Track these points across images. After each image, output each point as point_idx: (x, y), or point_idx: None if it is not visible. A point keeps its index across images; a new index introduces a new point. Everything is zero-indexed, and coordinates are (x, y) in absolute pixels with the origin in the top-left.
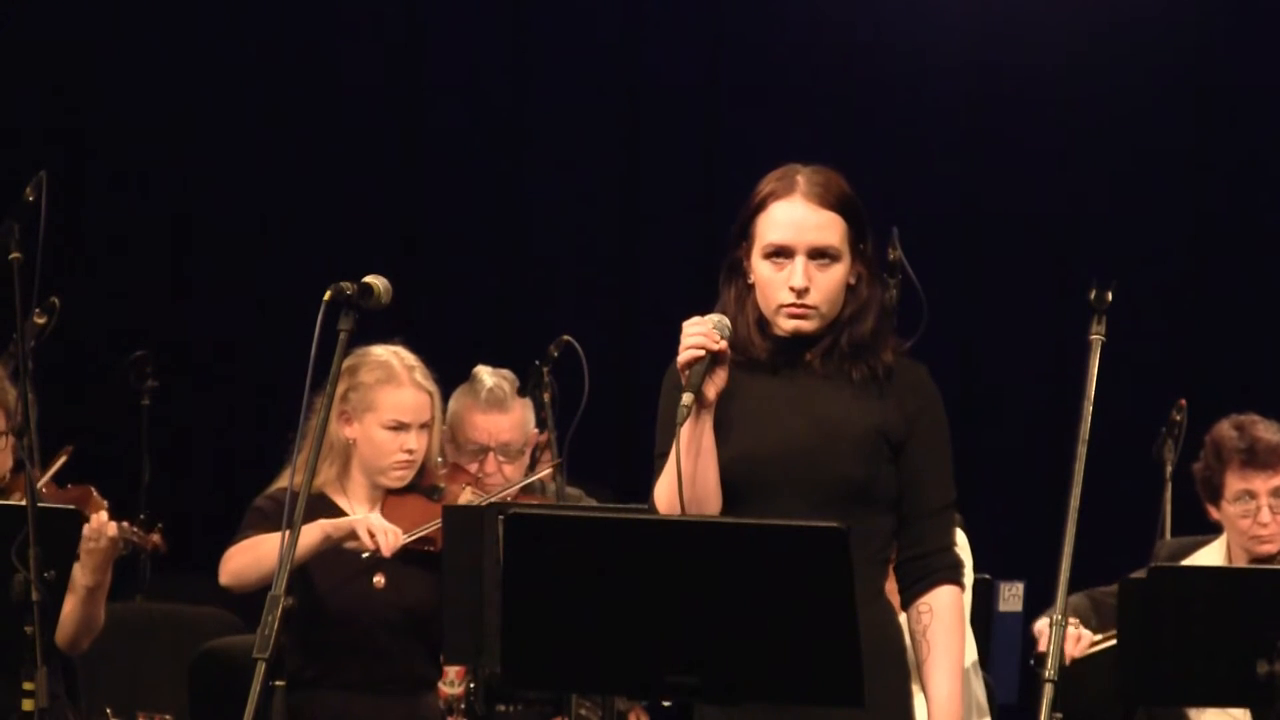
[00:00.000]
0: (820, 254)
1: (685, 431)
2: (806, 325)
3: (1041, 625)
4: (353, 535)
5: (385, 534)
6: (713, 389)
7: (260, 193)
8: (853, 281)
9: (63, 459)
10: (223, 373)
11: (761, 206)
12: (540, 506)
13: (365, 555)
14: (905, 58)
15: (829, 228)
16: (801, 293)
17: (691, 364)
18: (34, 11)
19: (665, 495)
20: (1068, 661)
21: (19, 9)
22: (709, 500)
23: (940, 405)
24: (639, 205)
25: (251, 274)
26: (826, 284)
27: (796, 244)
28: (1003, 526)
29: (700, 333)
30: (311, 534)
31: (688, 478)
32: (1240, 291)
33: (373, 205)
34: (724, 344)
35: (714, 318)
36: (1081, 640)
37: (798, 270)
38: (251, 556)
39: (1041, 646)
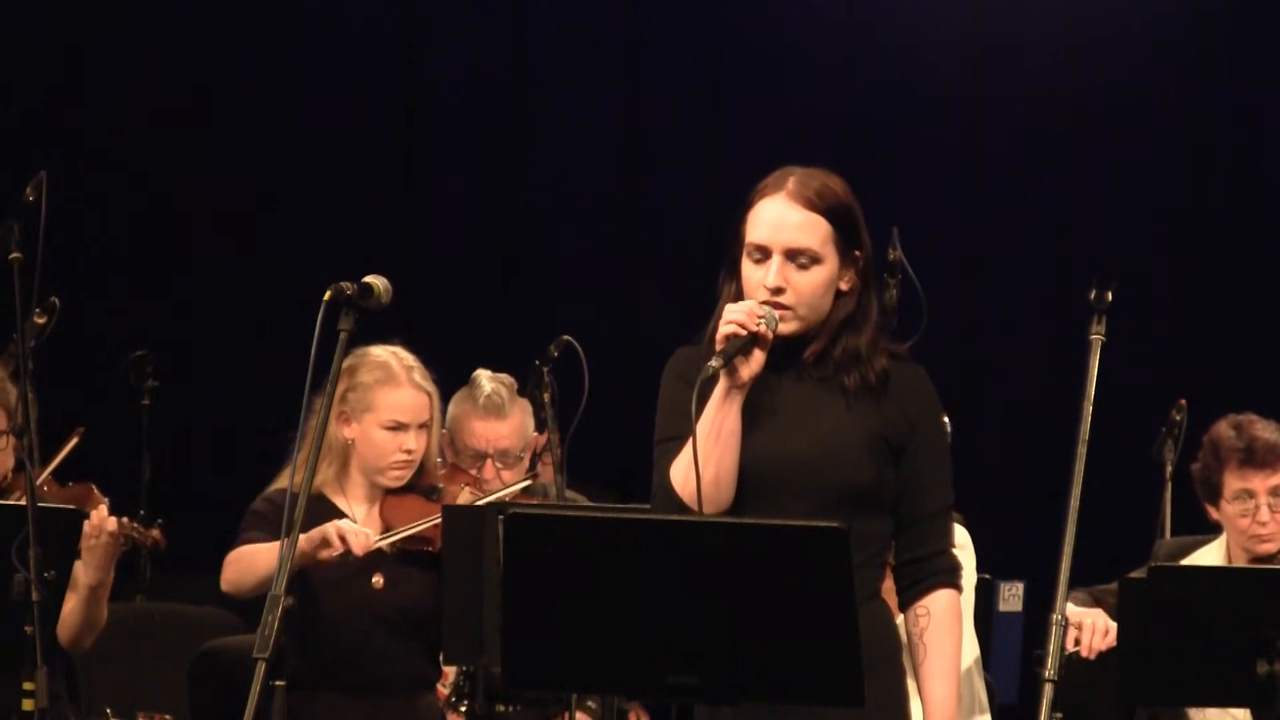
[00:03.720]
0: (797, 255)
1: (713, 405)
2: (784, 326)
3: (1075, 615)
4: (325, 543)
5: (355, 535)
6: (747, 371)
7: (260, 193)
8: (844, 287)
9: (74, 441)
10: (223, 373)
11: (750, 204)
12: (540, 506)
13: (348, 559)
14: (905, 58)
15: (809, 229)
16: (775, 292)
17: (730, 338)
18: (34, 9)
19: (683, 471)
20: (1094, 655)
21: (19, 8)
22: (725, 485)
23: (940, 408)
24: (639, 205)
25: (251, 274)
26: (805, 286)
27: (773, 243)
28: (1003, 526)
29: (742, 311)
30: None
31: (707, 457)
32: (1240, 291)
33: (372, 204)
34: (764, 329)
35: (765, 308)
36: (1110, 633)
37: (772, 269)
38: (245, 566)
39: (1069, 640)
